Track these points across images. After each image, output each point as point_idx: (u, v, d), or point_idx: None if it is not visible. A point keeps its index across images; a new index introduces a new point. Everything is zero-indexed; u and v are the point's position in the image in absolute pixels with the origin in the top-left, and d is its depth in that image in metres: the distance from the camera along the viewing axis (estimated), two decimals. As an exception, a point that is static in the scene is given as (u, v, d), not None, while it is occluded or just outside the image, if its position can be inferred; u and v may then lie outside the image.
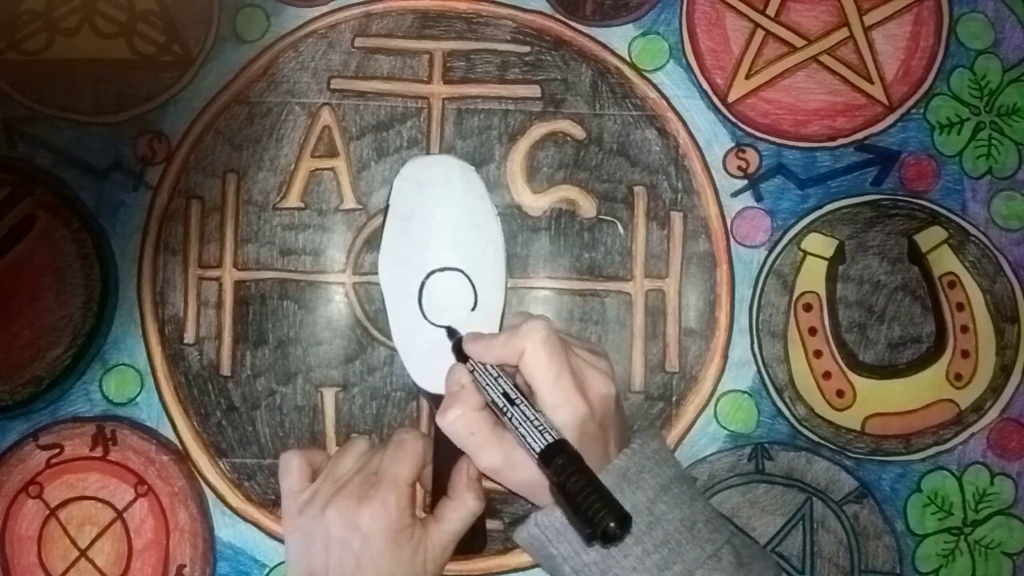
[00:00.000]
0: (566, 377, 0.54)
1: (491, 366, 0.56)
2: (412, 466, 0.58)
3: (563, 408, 0.53)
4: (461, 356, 0.58)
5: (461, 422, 0.55)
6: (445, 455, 0.59)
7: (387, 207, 0.62)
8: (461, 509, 0.58)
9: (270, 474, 0.64)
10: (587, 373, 0.55)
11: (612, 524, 0.46)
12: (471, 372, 0.57)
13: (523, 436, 0.51)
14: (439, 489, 0.60)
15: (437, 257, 0.61)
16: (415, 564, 0.56)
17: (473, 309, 0.61)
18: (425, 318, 0.61)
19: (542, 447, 0.50)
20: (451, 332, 0.60)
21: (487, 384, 0.55)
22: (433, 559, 0.57)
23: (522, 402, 0.53)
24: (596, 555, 0.53)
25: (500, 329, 0.61)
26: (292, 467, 0.59)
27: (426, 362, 0.61)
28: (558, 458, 0.50)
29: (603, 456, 0.54)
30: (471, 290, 0.61)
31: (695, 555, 0.53)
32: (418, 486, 0.61)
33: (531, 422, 0.52)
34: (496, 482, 0.56)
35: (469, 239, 0.62)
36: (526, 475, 0.54)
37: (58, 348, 0.65)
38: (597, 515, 0.47)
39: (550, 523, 0.53)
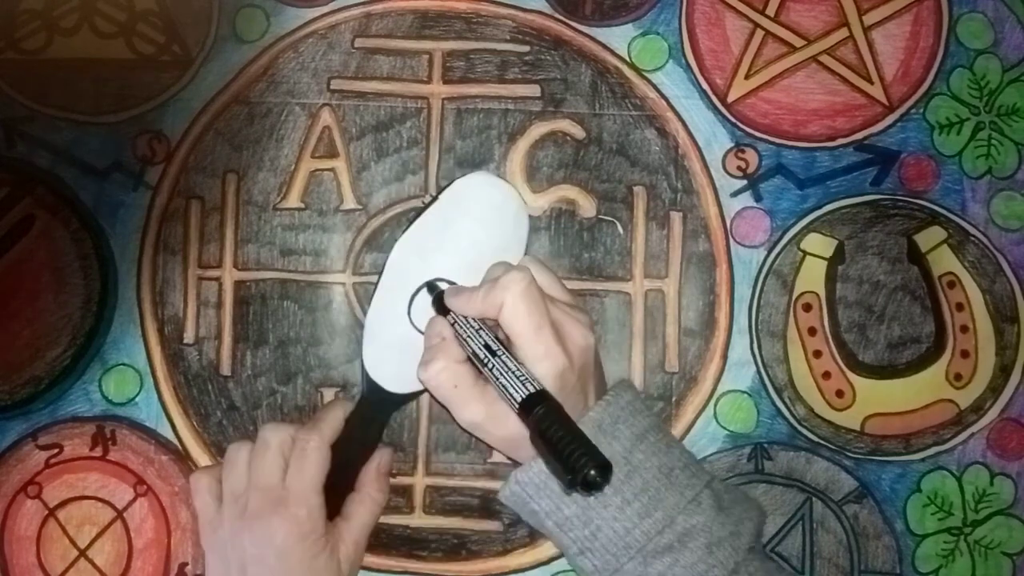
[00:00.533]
0: (546, 329, 0.54)
1: (472, 319, 0.56)
2: (317, 475, 0.57)
3: (543, 360, 0.53)
4: (441, 309, 0.58)
5: (445, 374, 0.55)
6: (351, 451, 0.59)
7: (434, 199, 0.62)
8: (367, 502, 0.59)
9: (270, 474, 0.64)
10: (567, 324, 0.55)
11: (592, 472, 0.46)
12: (452, 325, 0.57)
13: (504, 387, 0.52)
14: (342, 486, 0.60)
15: (452, 270, 0.61)
16: (331, 568, 0.56)
17: None
18: (407, 314, 0.61)
19: (523, 397, 0.50)
20: (431, 286, 0.60)
21: (468, 336, 0.55)
22: (347, 558, 0.57)
23: (503, 353, 0.53)
24: (576, 508, 0.53)
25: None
26: (201, 488, 0.58)
27: (385, 352, 0.61)
28: (538, 408, 0.50)
29: (583, 408, 0.55)
30: None
31: (675, 501, 0.53)
32: None
33: (512, 372, 0.52)
34: (478, 437, 0.56)
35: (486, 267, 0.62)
36: (507, 430, 0.54)
37: (57, 348, 0.65)
38: (578, 463, 0.47)
39: (529, 479, 0.54)
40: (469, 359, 0.55)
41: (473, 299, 0.56)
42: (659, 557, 0.52)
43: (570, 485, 0.48)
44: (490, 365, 0.53)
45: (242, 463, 0.58)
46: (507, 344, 0.55)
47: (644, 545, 0.52)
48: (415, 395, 0.62)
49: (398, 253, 0.61)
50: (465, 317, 0.56)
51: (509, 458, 0.58)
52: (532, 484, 0.54)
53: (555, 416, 0.50)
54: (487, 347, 0.54)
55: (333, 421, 0.59)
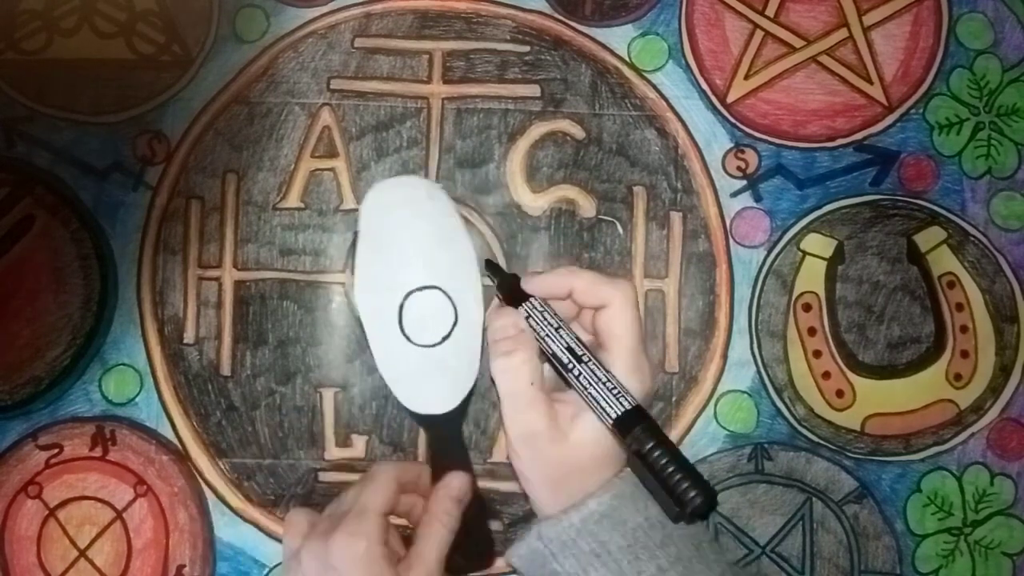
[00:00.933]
0: (644, 353, 0.51)
1: (551, 315, 0.52)
2: (381, 495, 0.54)
3: (636, 376, 0.50)
4: (512, 299, 0.55)
5: (527, 367, 0.51)
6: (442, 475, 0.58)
7: (356, 234, 0.62)
8: (434, 525, 0.55)
9: (270, 474, 0.64)
10: (646, 353, 0.53)
11: (701, 500, 0.43)
12: (527, 318, 0.53)
13: (594, 398, 0.48)
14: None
15: (412, 277, 0.61)
16: None
17: (455, 324, 0.61)
18: (408, 339, 0.61)
19: (620, 412, 0.47)
20: (493, 267, 0.58)
21: (547, 335, 0.51)
22: None
23: (591, 360, 0.49)
24: (606, 571, 0.49)
25: (483, 341, 0.60)
26: (293, 523, 0.56)
27: (414, 383, 0.61)
28: (638, 426, 0.46)
29: None
30: (451, 306, 0.61)
31: (705, 574, 0.50)
32: None
33: (604, 384, 0.48)
34: (518, 459, 0.52)
35: (442, 256, 0.62)
36: (559, 455, 0.50)
37: (57, 348, 0.65)
38: (687, 491, 0.44)
39: (556, 535, 0.50)
40: (546, 358, 0.52)
41: (568, 281, 0.53)
42: None
43: (676, 517, 0.45)
44: (576, 371, 0.49)
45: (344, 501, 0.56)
46: (593, 350, 0.51)
47: None
48: (466, 403, 0.61)
49: (361, 299, 0.61)
50: (543, 313, 0.53)
51: (527, 497, 0.54)
52: (558, 541, 0.50)
53: (657, 437, 0.46)
54: (571, 350, 0.50)
55: (412, 468, 0.58)
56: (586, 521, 0.50)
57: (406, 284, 0.61)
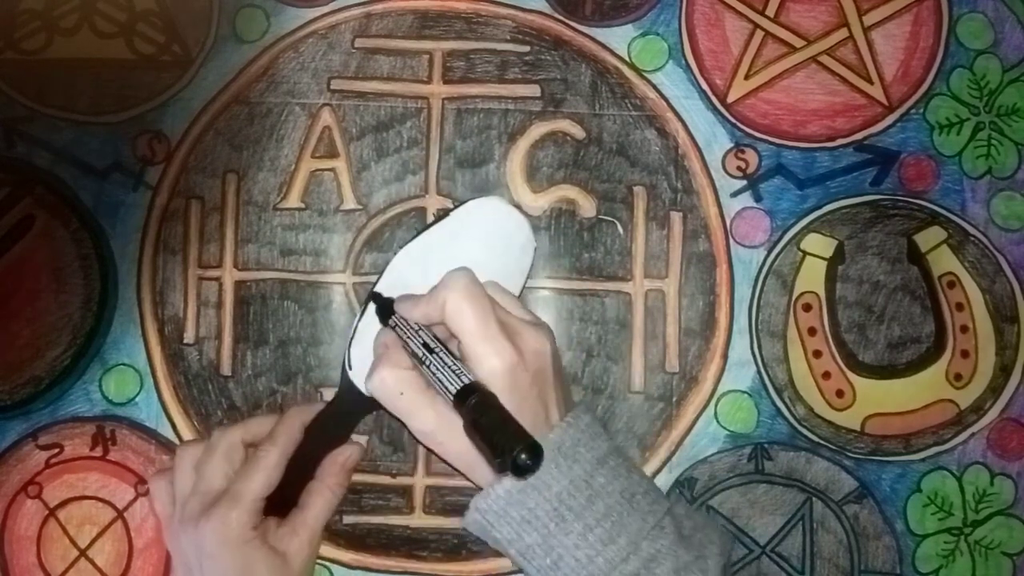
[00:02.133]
0: (492, 325, 0.52)
1: (413, 322, 0.55)
2: (260, 481, 0.56)
3: (490, 357, 0.52)
4: (384, 318, 0.57)
5: (390, 379, 0.53)
6: (319, 446, 0.60)
7: (448, 213, 0.61)
8: (324, 493, 0.58)
9: (270, 474, 0.64)
10: (518, 327, 0.54)
11: (523, 455, 0.46)
12: (393, 328, 0.56)
13: (440, 381, 0.50)
14: (304, 480, 0.60)
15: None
16: (274, 565, 0.55)
17: None
18: None
19: (457, 388, 0.50)
20: (375, 296, 0.60)
21: (408, 337, 0.54)
22: (298, 550, 0.56)
23: (441, 350, 0.52)
24: (538, 536, 0.52)
25: None
26: (157, 491, 0.59)
27: (370, 355, 0.60)
28: (472, 397, 0.49)
29: (544, 420, 0.53)
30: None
31: (638, 527, 0.52)
32: None
33: (449, 368, 0.51)
34: (433, 452, 0.55)
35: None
36: (460, 443, 0.52)
37: (57, 348, 0.65)
38: (506, 445, 0.46)
39: (488, 506, 0.52)
40: (414, 365, 0.54)
41: (417, 303, 0.55)
42: None
43: (499, 469, 0.47)
44: (427, 362, 0.52)
45: (188, 466, 0.58)
46: (448, 343, 0.54)
47: (608, 573, 0.51)
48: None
49: (400, 260, 0.61)
50: (405, 321, 0.55)
51: (470, 480, 0.56)
52: (492, 511, 0.53)
53: (487, 403, 0.49)
54: (425, 345, 0.53)
55: (292, 433, 0.58)
56: (510, 491, 0.52)
57: (433, 283, 0.61)
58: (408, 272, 0.61)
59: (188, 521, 0.56)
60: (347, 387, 0.61)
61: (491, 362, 0.52)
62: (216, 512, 0.55)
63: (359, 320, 0.61)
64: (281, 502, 0.58)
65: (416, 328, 0.54)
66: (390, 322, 0.57)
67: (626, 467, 0.55)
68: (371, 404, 0.59)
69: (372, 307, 0.60)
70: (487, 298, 0.54)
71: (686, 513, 0.56)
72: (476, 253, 0.61)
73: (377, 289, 0.61)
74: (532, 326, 0.55)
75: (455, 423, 0.51)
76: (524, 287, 0.63)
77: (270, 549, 0.56)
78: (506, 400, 0.50)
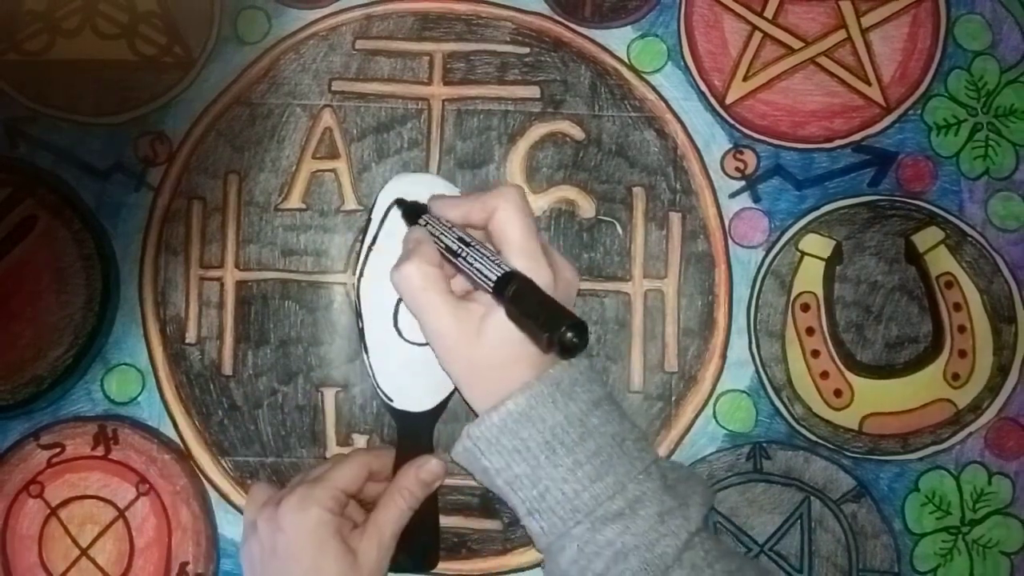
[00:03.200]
0: (536, 243, 0.53)
1: (446, 220, 0.55)
2: (346, 472, 0.57)
3: (531, 266, 0.52)
4: (413, 219, 0.57)
5: (416, 274, 0.53)
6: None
7: (369, 221, 0.62)
8: (396, 499, 0.57)
9: (272, 472, 0.65)
10: (556, 256, 0.55)
11: (570, 333, 0.46)
12: (425, 225, 0.56)
13: (478, 271, 0.51)
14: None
15: None
16: (343, 562, 0.55)
17: None
18: (400, 335, 0.61)
19: (498, 275, 0.50)
20: (400, 201, 0.60)
21: (441, 233, 0.54)
22: (367, 554, 0.56)
23: (477, 243, 0.52)
24: (526, 467, 0.52)
25: None
26: (253, 496, 0.59)
27: (398, 377, 0.61)
28: (512, 284, 0.49)
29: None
30: None
31: (626, 469, 0.53)
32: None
33: (488, 258, 0.51)
34: (443, 362, 0.55)
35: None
36: (473, 351, 0.53)
37: (59, 348, 0.65)
38: (554, 323, 0.46)
39: (481, 433, 0.53)
40: (443, 262, 0.54)
41: (459, 203, 0.55)
42: (609, 523, 0.52)
43: (548, 344, 0.47)
44: (464, 253, 0.52)
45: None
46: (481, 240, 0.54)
47: (593, 509, 0.52)
48: (443, 406, 0.62)
49: (365, 287, 0.61)
50: (438, 219, 0.55)
51: (465, 402, 0.57)
52: (484, 439, 0.53)
53: (530, 288, 0.49)
54: (461, 239, 0.53)
55: (384, 456, 0.60)
56: (505, 420, 0.53)
57: None
58: (378, 290, 0.61)
59: (269, 504, 0.56)
60: (400, 417, 0.61)
61: (533, 276, 0.52)
62: (299, 490, 0.55)
63: (368, 356, 0.61)
64: (411, 541, 0.59)
65: (450, 226, 0.54)
66: (420, 220, 0.56)
67: (618, 413, 0.56)
68: (432, 416, 0.61)
69: (370, 334, 0.61)
70: (533, 217, 0.54)
71: (671, 466, 0.57)
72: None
73: (366, 325, 0.61)
74: (568, 263, 0.56)
75: (470, 331, 0.52)
76: None
77: (342, 542, 0.55)
78: None
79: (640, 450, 0.55)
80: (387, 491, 0.58)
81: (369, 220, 0.62)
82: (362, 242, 0.62)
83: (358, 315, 0.62)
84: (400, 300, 0.61)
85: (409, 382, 0.61)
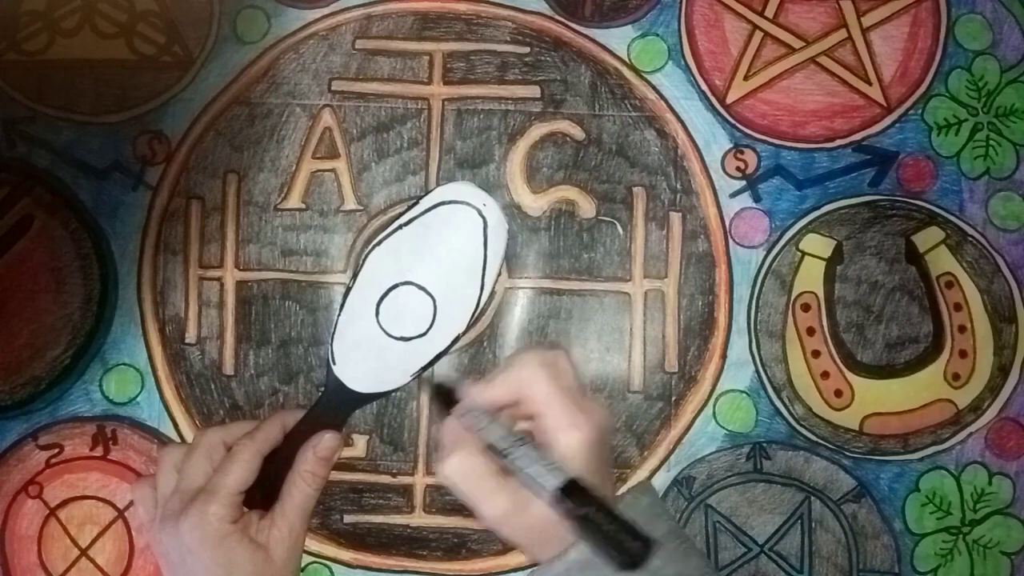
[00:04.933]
0: (570, 398, 0.52)
1: (479, 411, 0.54)
2: (237, 476, 0.55)
3: (571, 430, 0.51)
4: (443, 405, 0.56)
5: (467, 465, 0.52)
6: (290, 461, 0.59)
7: (417, 202, 0.62)
8: (299, 484, 0.56)
9: (271, 474, 0.64)
10: (585, 401, 0.53)
11: (639, 546, 0.46)
12: (462, 417, 0.54)
13: (532, 476, 0.50)
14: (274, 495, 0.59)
15: (425, 277, 0.61)
16: (256, 558, 0.55)
17: (422, 335, 0.61)
18: (375, 315, 0.61)
19: (557, 483, 0.49)
20: (426, 381, 0.59)
21: (482, 427, 0.53)
22: (279, 542, 0.55)
23: (526, 441, 0.52)
24: None
25: (428, 366, 0.61)
26: (141, 497, 0.57)
27: (353, 351, 0.60)
28: (574, 494, 0.49)
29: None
30: (431, 318, 0.61)
31: None
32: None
33: (539, 462, 0.50)
34: (501, 534, 0.54)
35: (459, 280, 0.62)
36: (531, 519, 0.52)
37: (57, 348, 0.65)
38: (624, 541, 0.47)
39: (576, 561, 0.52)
40: (487, 450, 0.53)
41: (489, 386, 0.54)
42: None
43: (619, 565, 0.47)
44: (513, 455, 0.51)
45: (170, 467, 0.57)
46: (524, 434, 0.53)
47: None
48: (373, 397, 0.62)
49: (375, 256, 0.61)
50: (473, 411, 0.54)
51: (525, 555, 0.55)
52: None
53: (592, 499, 0.49)
54: (506, 438, 0.52)
55: (271, 432, 0.58)
56: (570, 569, 0.52)
57: (414, 276, 0.61)
58: (383, 264, 0.61)
59: (168, 520, 0.55)
60: (333, 382, 0.61)
61: (572, 436, 0.51)
62: (194, 507, 0.54)
63: (340, 315, 0.61)
64: (267, 500, 0.59)
65: (489, 419, 0.54)
66: (456, 411, 0.55)
67: (683, 551, 0.54)
68: (359, 399, 0.60)
69: (353, 299, 0.60)
70: (562, 373, 0.53)
71: None
72: (450, 239, 0.61)
73: (357, 285, 0.61)
74: (594, 401, 0.54)
75: (525, 502, 0.51)
76: (501, 270, 0.63)
77: (251, 542, 0.55)
78: (584, 475, 0.50)
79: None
80: (288, 478, 0.58)
81: (416, 202, 0.62)
82: (396, 218, 0.62)
83: (354, 275, 0.62)
84: (392, 287, 0.61)
85: (358, 357, 0.61)
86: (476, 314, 0.62)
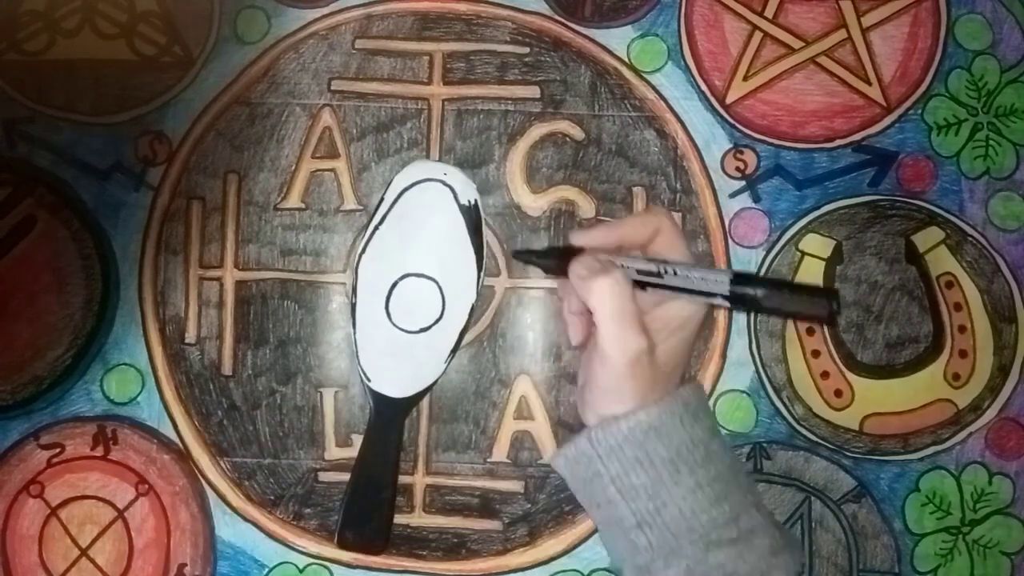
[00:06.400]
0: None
1: (605, 246, 0.54)
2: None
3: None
4: (566, 262, 0.55)
5: (622, 287, 0.51)
6: (376, 466, 0.62)
7: (381, 201, 0.63)
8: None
9: (270, 474, 0.64)
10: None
11: (832, 295, 0.51)
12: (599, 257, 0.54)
13: (702, 280, 0.52)
14: (377, 502, 0.62)
15: (417, 261, 0.62)
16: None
17: (438, 320, 0.62)
18: (389, 318, 0.62)
19: (731, 276, 0.52)
20: (524, 252, 0.58)
21: (623, 263, 0.53)
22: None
23: (671, 265, 0.52)
24: (647, 478, 0.51)
25: (457, 345, 0.63)
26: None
27: (380, 359, 0.61)
28: (753, 282, 0.52)
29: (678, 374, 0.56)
30: (440, 301, 0.62)
31: (740, 499, 0.53)
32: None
33: (699, 276, 0.52)
34: (600, 375, 0.53)
35: (452, 253, 0.62)
36: (645, 371, 0.52)
37: (59, 348, 0.65)
38: (819, 292, 0.54)
39: (604, 438, 0.52)
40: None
41: (616, 227, 0.55)
42: (722, 548, 0.51)
43: (830, 316, 0.51)
44: (668, 274, 0.52)
45: None
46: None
47: (708, 532, 0.51)
48: (419, 396, 0.63)
49: (365, 266, 0.62)
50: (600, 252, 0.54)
51: (585, 410, 0.55)
52: (606, 444, 0.52)
53: (766, 280, 0.55)
54: (654, 264, 0.53)
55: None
56: (634, 430, 0.52)
57: (407, 265, 0.62)
58: (376, 270, 0.61)
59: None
60: (376, 399, 0.62)
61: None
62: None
63: (355, 333, 0.62)
64: (362, 519, 0.60)
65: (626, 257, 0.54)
66: (589, 250, 0.54)
67: (729, 445, 0.56)
68: (406, 404, 0.62)
69: (361, 313, 0.61)
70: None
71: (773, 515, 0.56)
72: (429, 220, 0.61)
73: (359, 302, 0.62)
74: None
75: (652, 348, 0.52)
76: (484, 244, 0.64)
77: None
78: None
79: (750, 484, 0.55)
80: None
81: (381, 200, 0.62)
82: (369, 222, 0.62)
83: (353, 291, 0.62)
84: (394, 284, 0.61)
85: (390, 365, 0.62)
86: (482, 277, 0.62)
